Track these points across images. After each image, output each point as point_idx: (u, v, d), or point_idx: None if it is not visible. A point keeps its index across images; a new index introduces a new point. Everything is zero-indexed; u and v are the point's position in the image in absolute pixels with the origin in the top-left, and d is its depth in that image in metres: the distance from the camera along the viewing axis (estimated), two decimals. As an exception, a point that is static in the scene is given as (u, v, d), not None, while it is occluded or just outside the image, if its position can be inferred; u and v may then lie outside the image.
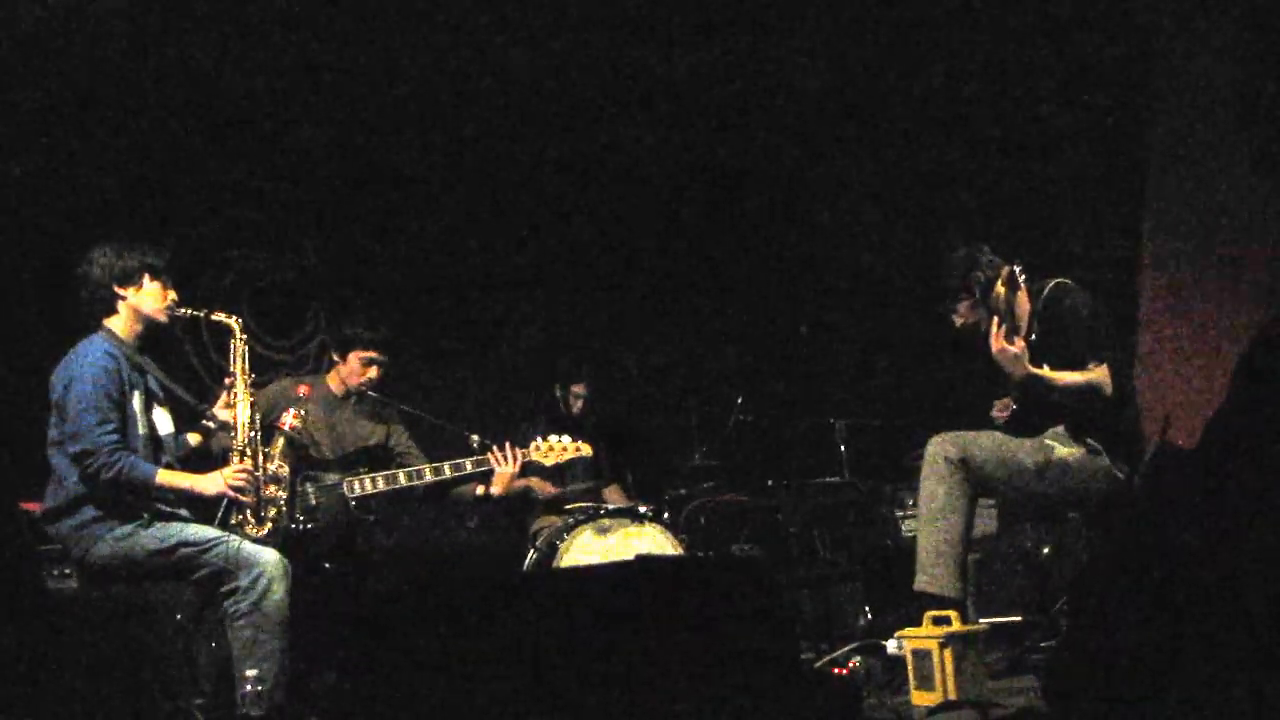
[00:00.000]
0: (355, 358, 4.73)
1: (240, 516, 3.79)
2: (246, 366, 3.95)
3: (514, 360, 6.58)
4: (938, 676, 3.09)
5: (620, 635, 2.59)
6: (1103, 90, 5.54)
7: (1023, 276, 3.70)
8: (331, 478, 4.45)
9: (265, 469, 3.87)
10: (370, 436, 4.78)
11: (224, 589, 3.57)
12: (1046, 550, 4.57)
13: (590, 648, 2.56)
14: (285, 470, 4.03)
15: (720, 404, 5.98)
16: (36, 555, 3.96)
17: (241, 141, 5.76)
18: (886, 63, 6.23)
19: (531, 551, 4.95)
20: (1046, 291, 3.88)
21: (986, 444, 3.77)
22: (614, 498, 5.56)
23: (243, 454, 3.82)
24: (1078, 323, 3.75)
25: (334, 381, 4.82)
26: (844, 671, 3.69)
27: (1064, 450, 3.73)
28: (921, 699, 3.13)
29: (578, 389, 5.65)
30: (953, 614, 3.23)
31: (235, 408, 3.89)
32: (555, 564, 4.69)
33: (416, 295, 6.31)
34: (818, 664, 3.81)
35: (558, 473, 5.22)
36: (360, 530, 4.53)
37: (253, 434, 3.86)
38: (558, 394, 5.66)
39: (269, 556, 3.59)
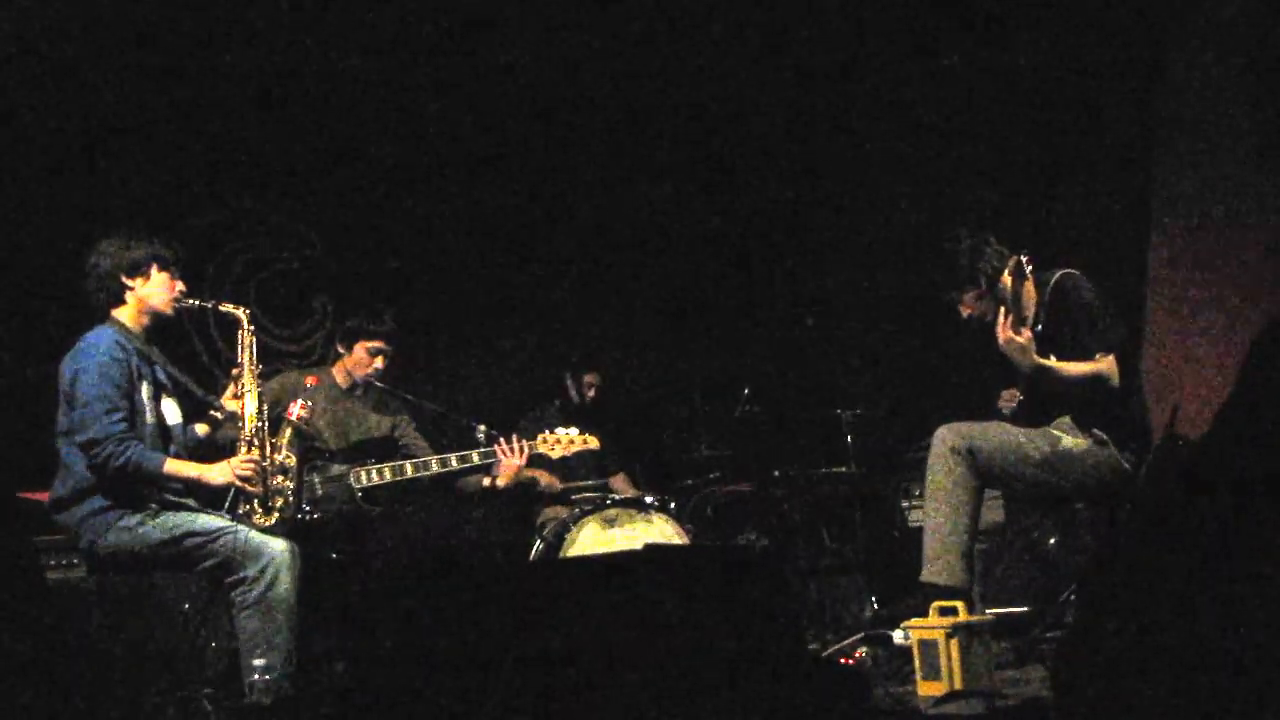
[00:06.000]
0: (361, 348, 4.74)
1: (247, 506, 3.80)
2: (254, 357, 3.95)
3: (523, 350, 6.57)
4: (944, 667, 3.09)
5: (627, 625, 2.59)
6: (1110, 78, 5.52)
7: (1029, 266, 3.68)
8: (338, 468, 4.46)
9: (273, 459, 3.88)
10: (376, 427, 4.78)
11: (231, 579, 3.58)
12: (1053, 541, 4.57)
13: (597, 637, 2.57)
14: (292, 461, 4.03)
15: (727, 395, 5.98)
16: (37, 547, 3.99)
17: (249, 132, 5.75)
18: (892, 49, 6.21)
19: (538, 542, 4.95)
20: (1053, 282, 3.86)
21: (993, 434, 3.77)
22: (621, 488, 5.56)
23: (250, 444, 3.82)
24: (1085, 313, 3.74)
25: (340, 373, 4.83)
26: (851, 661, 3.69)
27: (1071, 441, 3.73)
28: (928, 689, 3.13)
29: (589, 379, 5.65)
30: (959, 604, 3.23)
31: (243, 398, 3.89)
32: (562, 554, 4.69)
33: (423, 286, 6.31)
34: (824, 654, 3.82)
35: (564, 464, 5.22)
36: (366, 520, 4.54)
37: (260, 424, 3.86)
38: (568, 383, 5.66)
39: (277, 546, 3.60)
